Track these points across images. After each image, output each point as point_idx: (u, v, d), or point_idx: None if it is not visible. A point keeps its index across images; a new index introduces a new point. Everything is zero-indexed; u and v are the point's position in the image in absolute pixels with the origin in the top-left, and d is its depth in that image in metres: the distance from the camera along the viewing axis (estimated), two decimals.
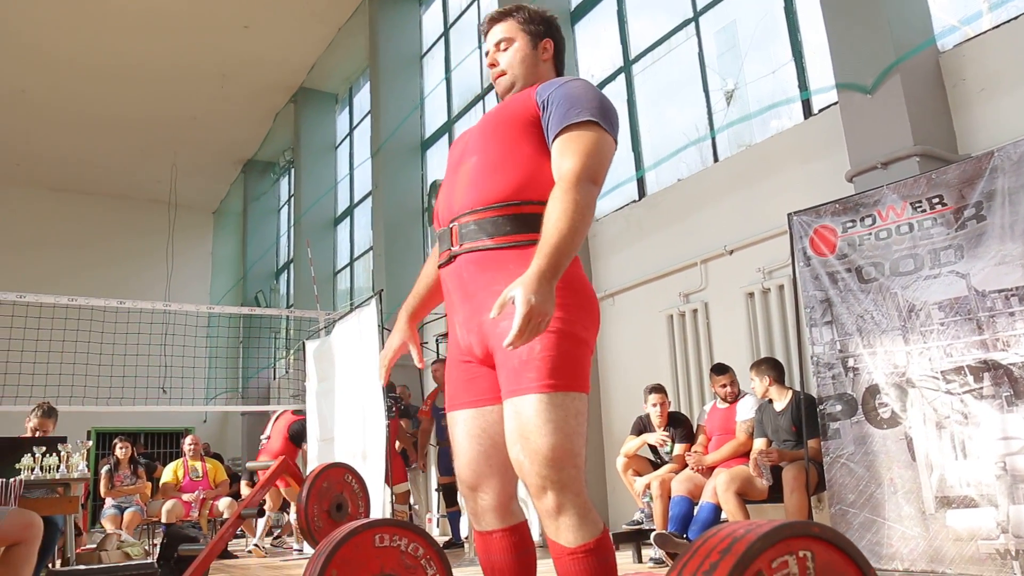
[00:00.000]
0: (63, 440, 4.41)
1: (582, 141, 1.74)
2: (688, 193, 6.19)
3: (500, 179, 1.81)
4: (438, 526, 7.81)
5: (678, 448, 5.07)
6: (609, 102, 1.85)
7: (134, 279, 14.31)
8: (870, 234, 4.12)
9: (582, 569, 1.63)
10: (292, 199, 14.14)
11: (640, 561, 4.98)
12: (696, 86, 6.42)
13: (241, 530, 7.62)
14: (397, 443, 7.15)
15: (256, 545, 7.16)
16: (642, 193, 6.83)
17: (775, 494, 4.46)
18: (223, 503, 7.54)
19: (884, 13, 4.56)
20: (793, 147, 5.44)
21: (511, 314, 1.54)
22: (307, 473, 5.17)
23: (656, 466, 5.21)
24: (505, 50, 2.01)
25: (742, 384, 4.99)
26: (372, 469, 5.56)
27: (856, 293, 4.13)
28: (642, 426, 5.28)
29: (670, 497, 4.70)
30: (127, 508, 7.25)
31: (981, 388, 3.58)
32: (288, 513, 7.64)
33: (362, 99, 12.50)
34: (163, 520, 7.01)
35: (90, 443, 5.29)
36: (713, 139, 6.25)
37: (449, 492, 6.96)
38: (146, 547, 6.45)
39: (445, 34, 10.13)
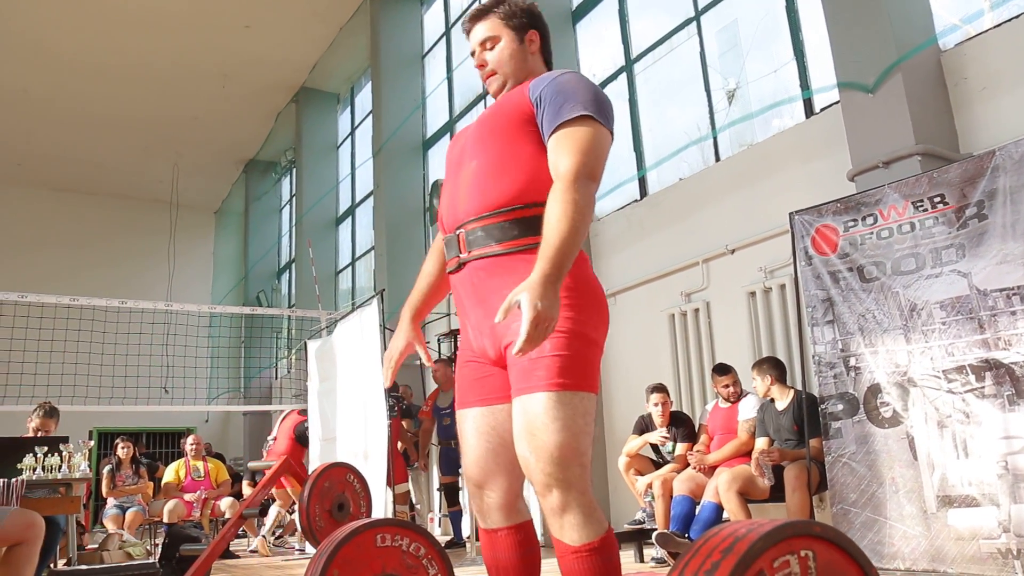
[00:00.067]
0: (65, 440, 4.42)
1: (577, 137, 1.73)
2: (690, 192, 6.19)
3: (503, 183, 1.80)
4: (439, 526, 7.82)
5: (680, 448, 5.07)
6: (602, 92, 1.84)
7: (136, 279, 14.32)
8: (872, 233, 4.12)
9: (586, 568, 1.64)
10: (293, 199, 14.14)
11: (642, 561, 4.99)
12: (697, 85, 6.42)
13: (243, 530, 7.63)
14: (399, 443, 7.16)
15: (263, 537, 7.17)
16: (643, 192, 6.83)
17: (777, 493, 4.46)
18: (225, 503, 7.54)
19: (885, 12, 4.55)
20: (795, 146, 5.44)
21: (519, 316, 1.55)
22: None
23: (658, 465, 5.21)
24: (491, 49, 1.98)
25: (744, 384, 4.99)
26: (374, 469, 5.56)
27: (858, 292, 4.12)
28: (644, 426, 5.28)
29: (672, 496, 4.70)
30: (129, 508, 7.26)
31: (983, 387, 3.58)
32: (292, 512, 7.65)
33: (363, 99, 12.50)
34: (165, 520, 7.01)
35: (92, 443, 5.30)
36: (715, 138, 6.25)
37: (450, 492, 6.97)
38: (148, 547, 6.45)
39: (447, 33, 10.12)
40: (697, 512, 4.57)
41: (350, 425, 6.33)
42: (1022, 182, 3.56)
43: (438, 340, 8.15)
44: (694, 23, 6.50)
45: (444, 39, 10.17)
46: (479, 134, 1.90)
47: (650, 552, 4.90)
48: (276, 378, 13.36)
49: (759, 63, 6.13)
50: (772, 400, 4.67)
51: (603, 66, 7.51)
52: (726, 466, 4.61)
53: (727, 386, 4.92)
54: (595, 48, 7.74)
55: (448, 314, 8.17)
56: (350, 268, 12.43)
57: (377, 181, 10.30)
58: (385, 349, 5.66)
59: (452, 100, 9.83)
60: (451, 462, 6.88)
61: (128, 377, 9.21)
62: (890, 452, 3.90)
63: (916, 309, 3.88)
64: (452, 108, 9.79)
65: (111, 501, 7.37)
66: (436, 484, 7.74)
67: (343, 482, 4.61)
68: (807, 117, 5.55)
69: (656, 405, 5.17)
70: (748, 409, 4.83)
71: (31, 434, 5.12)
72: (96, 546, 5.50)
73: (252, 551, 7.38)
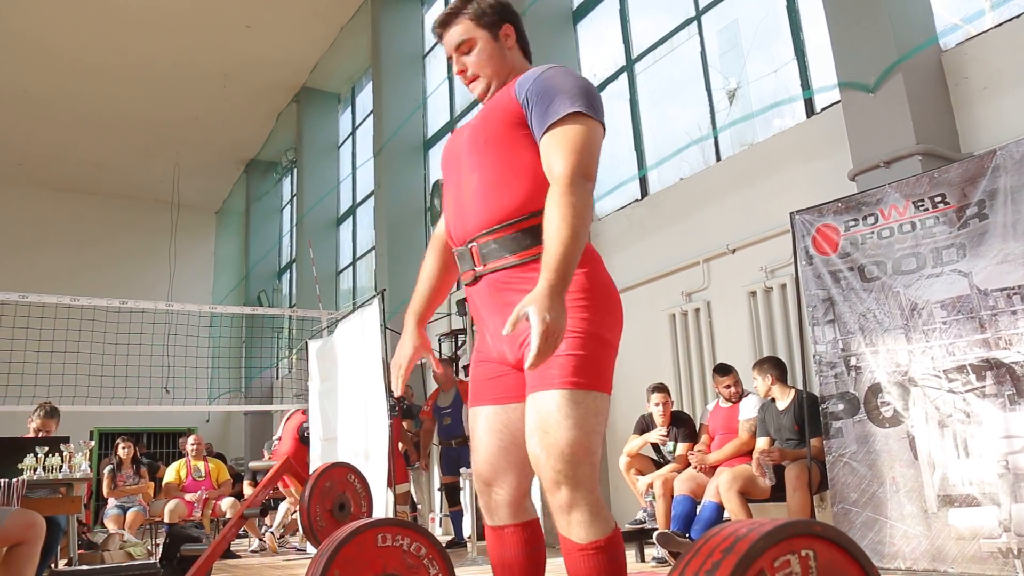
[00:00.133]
0: (66, 440, 4.42)
1: (569, 137, 1.72)
2: (690, 192, 6.19)
3: (508, 195, 1.80)
4: (440, 526, 7.82)
5: (681, 447, 5.07)
6: (588, 83, 1.82)
7: (136, 279, 14.32)
8: (872, 233, 4.12)
9: (592, 566, 1.64)
10: (294, 199, 14.15)
11: (643, 560, 4.99)
12: (698, 85, 6.42)
13: (244, 530, 7.63)
14: (400, 444, 7.16)
15: (271, 533, 7.17)
16: (644, 192, 6.83)
17: (778, 493, 4.46)
18: (226, 503, 7.54)
19: (886, 12, 4.55)
20: (795, 146, 5.44)
21: (528, 325, 1.56)
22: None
23: (659, 465, 5.21)
24: (468, 52, 1.94)
25: (744, 383, 4.99)
26: (375, 469, 5.56)
27: (858, 292, 4.12)
28: (645, 425, 5.28)
29: (673, 496, 4.70)
30: (130, 508, 7.26)
31: (983, 387, 3.58)
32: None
33: (364, 99, 12.50)
34: (166, 520, 7.01)
35: (92, 443, 5.30)
36: (715, 138, 6.25)
37: (451, 492, 6.97)
38: (149, 547, 6.47)
39: None
40: (698, 512, 4.57)
41: (351, 425, 6.33)
42: (1023, 182, 3.56)
43: (439, 340, 8.15)
44: (695, 23, 6.50)
45: None
46: (474, 143, 1.88)
47: (651, 552, 4.90)
48: (277, 378, 13.36)
49: (760, 63, 6.12)
50: (773, 400, 4.67)
51: (604, 66, 7.51)
52: (727, 466, 4.61)
53: (728, 386, 4.92)
54: (596, 48, 7.75)
55: (448, 314, 8.17)
56: (351, 268, 12.43)
57: (378, 181, 10.30)
58: (386, 349, 5.68)
59: (453, 100, 9.83)
60: (452, 462, 6.88)
61: (129, 377, 9.22)
62: (891, 452, 3.90)
63: (917, 309, 3.88)
64: (453, 108, 9.79)
65: (112, 501, 7.37)
66: (437, 484, 7.74)
67: (344, 482, 4.61)
68: (808, 117, 5.55)
69: (657, 405, 5.17)
70: (749, 409, 4.83)
71: (32, 434, 5.13)
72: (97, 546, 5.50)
73: (254, 551, 7.39)
